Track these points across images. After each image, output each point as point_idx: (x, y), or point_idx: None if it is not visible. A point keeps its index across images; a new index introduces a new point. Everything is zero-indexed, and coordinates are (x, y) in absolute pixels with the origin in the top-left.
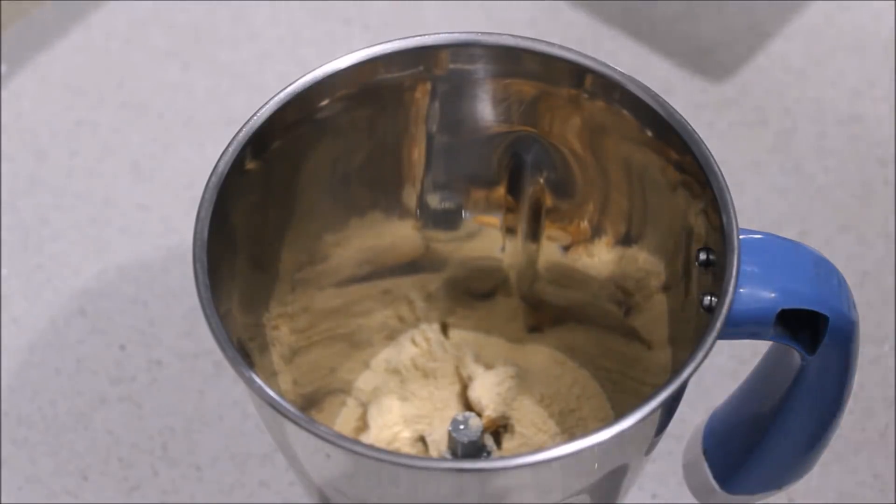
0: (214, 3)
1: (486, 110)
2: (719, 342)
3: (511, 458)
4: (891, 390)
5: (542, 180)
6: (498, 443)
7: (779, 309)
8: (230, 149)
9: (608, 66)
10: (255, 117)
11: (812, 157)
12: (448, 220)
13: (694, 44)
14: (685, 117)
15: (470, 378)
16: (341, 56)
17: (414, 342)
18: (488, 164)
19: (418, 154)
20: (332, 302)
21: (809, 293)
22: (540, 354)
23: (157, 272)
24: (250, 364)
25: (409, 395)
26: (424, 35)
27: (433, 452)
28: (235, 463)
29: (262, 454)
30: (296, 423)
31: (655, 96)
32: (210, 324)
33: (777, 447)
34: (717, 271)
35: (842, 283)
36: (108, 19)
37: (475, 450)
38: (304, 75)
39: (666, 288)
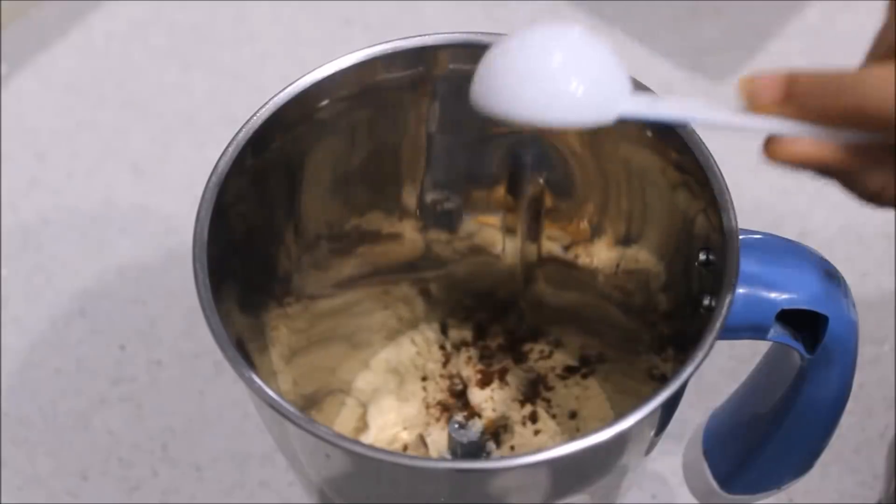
0: (214, 3)
1: None
2: (719, 342)
3: (511, 458)
4: (891, 390)
5: (541, 180)
6: (498, 443)
7: (779, 309)
8: (230, 149)
9: None
10: (255, 117)
11: None
12: (448, 220)
13: (694, 44)
14: None
15: (469, 379)
16: (341, 56)
17: (414, 342)
18: (488, 164)
19: (418, 154)
20: (332, 302)
21: (809, 293)
22: (540, 355)
23: (157, 272)
24: (250, 364)
25: (408, 395)
26: (424, 35)
27: (433, 452)
28: (235, 463)
29: (262, 454)
30: (296, 423)
31: None
32: (210, 324)
33: (777, 447)
34: (717, 271)
35: (842, 283)
36: (108, 19)
37: (475, 450)
38: (304, 75)
39: (666, 288)
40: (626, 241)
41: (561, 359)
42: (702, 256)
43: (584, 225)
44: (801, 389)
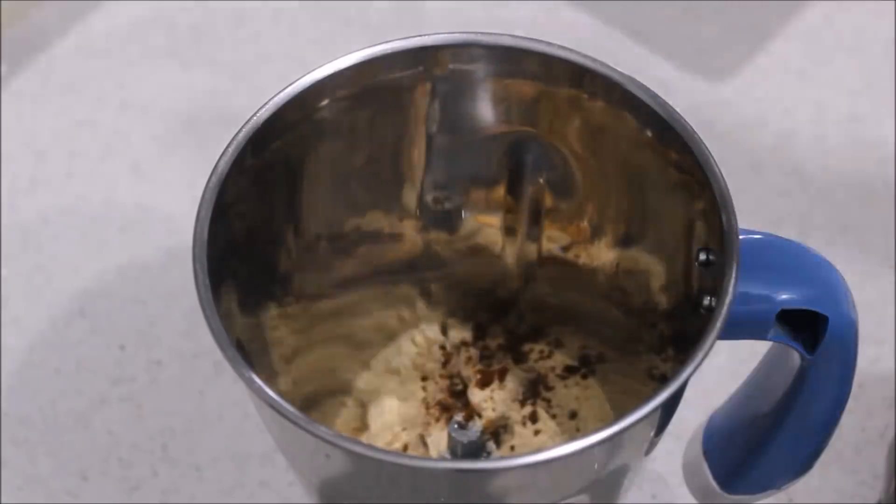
0: (214, 3)
1: (486, 110)
2: (719, 342)
3: (511, 458)
4: (891, 390)
5: (541, 180)
6: (498, 443)
7: (779, 309)
8: (230, 149)
9: (608, 67)
10: (255, 117)
11: (812, 157)
12: (448, 220)
13: (694, 44)
14: (685, 117)
15: (469, 379)
16: (341, 56)
17: (414, 342)
18: (488, 164)
19: (418, 154)
20: (332, 302)
21: (809, 293)
22: (540, 355)
23: (157, 272)
24: (250, 364)
25: (408, 395)
26: (424, 35)
27: (433, 452)
28: (235, 463)
29: (262, 454)
30: (296, 423)
31: (655, 96)
32: (210, 324)
33: (777, 447)
34: (717, 271)
35: (841, 283)
36: (108, 19)
37: (475, 450)
38: (304, 75)
39: (666, 288)
40: (625, 241)
41: (561, 359)
42: (702, 256)
43: (584, 225)
44: (801, 389)
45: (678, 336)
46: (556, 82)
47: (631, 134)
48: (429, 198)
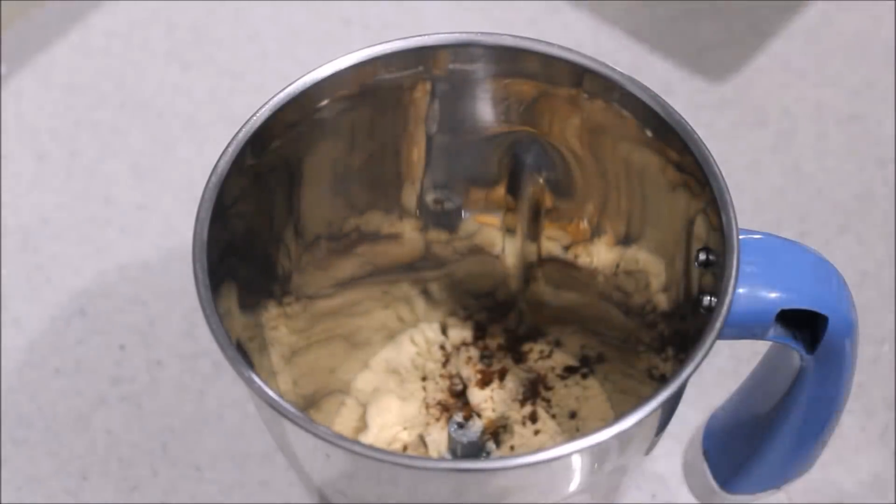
0: (214, 3)
1: (486, 110)
2: (719, 342)
3: (511, 458)
4: (891, 390)
5: (541, 180)
6: (497, 443)
7: (778, 309)
8: (230, 149)
9: (608, 66)
10: (254, 117)
11: (812, 157)
12: (448, 220)
13: (694, 44)
14: (685, 117)
15: (469, 379)
16: (341, 56)
17: (413, 342)
18: (488, 164)
19: (418, 154)
20: (332, 302)
21: (809, 293)
22: (540, 355)
23: (157, 272)
24: (250, 364)
25: (408, 395)
26: (424, 35)
27: (433, 452)
28: (235, 463)
29: (262, 454)
30: (296, 423)
31: (655, 96)
32: (210, 324)
33: (777, 447)
34: (717, 271)
35: (841, 283)
36: (108, 19)
37: (475, 450)
38: (304, 75)
39: (666, 288)
40: (625, 241)
41: (561, 359)
42: (702, 256)
43: (584, 225)
44: (801, 389)
45: (678, 336)
46: (556, 82)
47: (631, 134)
48: (429, 198)
